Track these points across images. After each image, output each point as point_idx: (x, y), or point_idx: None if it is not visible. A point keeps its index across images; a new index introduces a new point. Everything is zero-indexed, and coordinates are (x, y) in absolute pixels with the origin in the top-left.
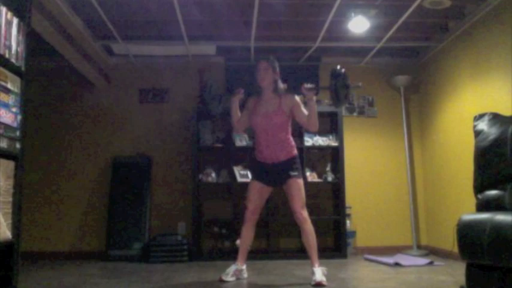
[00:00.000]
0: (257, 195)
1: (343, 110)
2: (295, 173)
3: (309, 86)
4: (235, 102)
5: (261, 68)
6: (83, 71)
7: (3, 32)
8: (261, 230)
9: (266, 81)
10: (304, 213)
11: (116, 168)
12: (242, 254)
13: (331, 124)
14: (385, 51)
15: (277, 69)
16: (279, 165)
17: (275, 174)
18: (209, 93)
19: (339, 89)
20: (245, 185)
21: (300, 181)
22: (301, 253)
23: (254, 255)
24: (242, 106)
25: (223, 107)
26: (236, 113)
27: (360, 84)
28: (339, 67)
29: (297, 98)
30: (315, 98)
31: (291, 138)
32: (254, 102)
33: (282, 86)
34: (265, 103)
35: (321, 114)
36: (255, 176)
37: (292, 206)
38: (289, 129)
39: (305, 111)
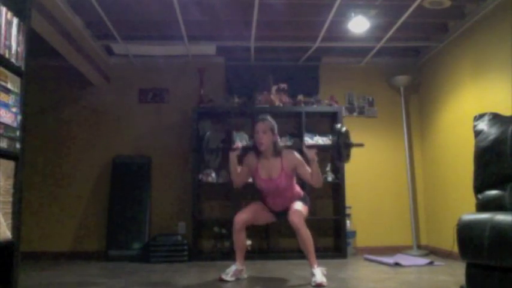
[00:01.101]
0: (255, 212)
1: (343, 110)
2: (301, 202)
3: (309, 145)
4: (234, 158)
5: (259, 131)
6: (83, 71)
7: (3, 32)
8: (261, 230)
9: (265, 145)
10: (302, 221)
11: (116, 168)
12: (240, 255)
13: (331, 124)
14: (385, 51)
15: (276, 131)
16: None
17: (281, 212)
18: (206, 146)
19: (342, 147)
20: (245, 185)
21: (305, 206)
22: (301, 253)
23: (254, 255)
24: (241, 158)
25: (220, 161)
26: (235, 169)
27: (362, 144)
28: (339, 126)
29: (298, 156)
30: (316, 158)
31: (297, 188)
32: (255, 163)
33: (281, 146)
34: (267, 166)
35: (321, 114)
36: (263, 201)
37: (290, 215)
38: (294, 183)
39: (308, 169)
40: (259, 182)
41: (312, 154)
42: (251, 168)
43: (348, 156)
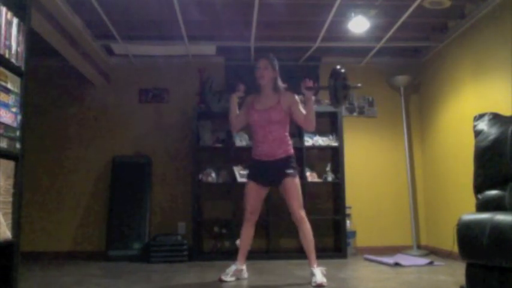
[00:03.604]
0: (254, 197)
1: (343, 110)
2: (291, 171)
3: (308, 84)
4: (235, 99)
5: (261, 66)
6: (83, 71)
7: (3, 32)
8: (261, 230)
9: (265, 79)
10: (302, 213)
11: (116, 168)
12: (242, 254)
13: (331, 124)
14: (385, 51)
15: (277, 67)
16: (275, 162)
17: (271, 173)
18: (209, 89)
19: (338, 89)
20: (245, 185)
21: (297, 180)
22: (301, 253)
23: (254, 255)
24: (241, 104)
25: (223, 105)
26: (234, 110)
27: (360, 85)
28: (338, 67)
29: (296, 96)
30: (313, 97)
31: (289, 137)
32: (252, 100)
33: (281, 84)
34: (264, 100)
35: (321, 115)
36: (252, 177)
37: (289, 206)
38: (287, 127)
39: (303, 110)
40: (253, 114)
41: (309, 93)
42: (248, 106)
43: (345, 99)
